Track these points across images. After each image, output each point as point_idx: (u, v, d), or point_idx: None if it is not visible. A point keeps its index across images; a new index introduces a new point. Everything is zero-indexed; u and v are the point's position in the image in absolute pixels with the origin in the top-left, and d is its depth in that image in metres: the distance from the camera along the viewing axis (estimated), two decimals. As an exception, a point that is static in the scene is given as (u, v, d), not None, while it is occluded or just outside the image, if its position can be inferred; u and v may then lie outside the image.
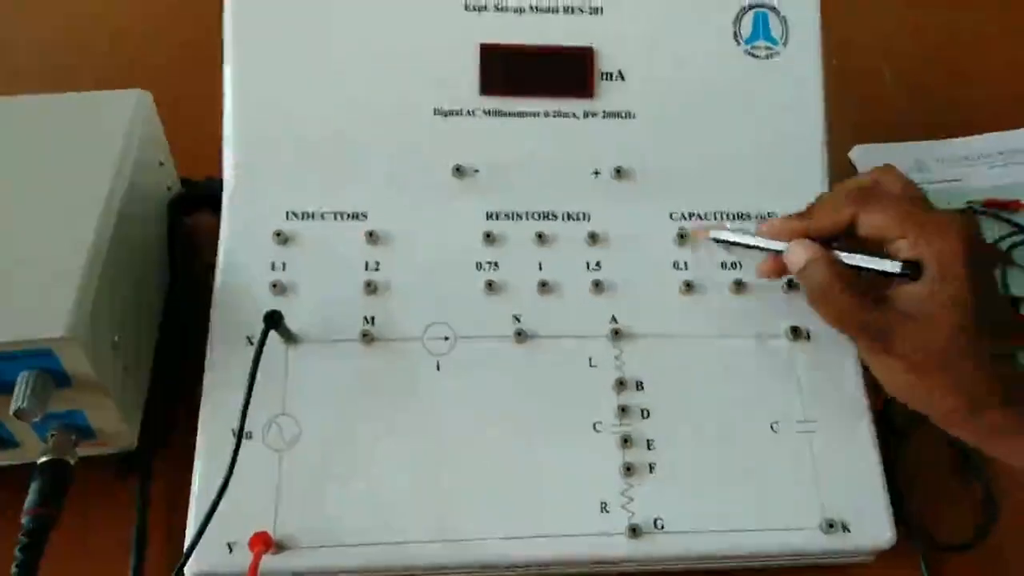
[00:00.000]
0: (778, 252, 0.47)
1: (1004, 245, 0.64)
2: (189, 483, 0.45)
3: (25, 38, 0.74)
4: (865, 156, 0.71)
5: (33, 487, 0.42)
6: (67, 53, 0.72)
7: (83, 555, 0.47)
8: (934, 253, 0.42)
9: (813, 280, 0.44)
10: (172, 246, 0.55)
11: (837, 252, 0.44)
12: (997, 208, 0.66)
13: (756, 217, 0.53)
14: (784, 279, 0.51)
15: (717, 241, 0.50)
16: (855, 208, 0.44)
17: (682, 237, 0.51)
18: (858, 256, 0.44)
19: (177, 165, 0.59)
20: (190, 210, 0.58)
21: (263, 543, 0.41)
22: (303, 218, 0.50)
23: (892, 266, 0.43)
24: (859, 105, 0.73)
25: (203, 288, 0.49)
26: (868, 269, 0.44)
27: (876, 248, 0.45)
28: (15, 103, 0.52)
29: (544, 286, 0.50)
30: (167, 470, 0.49)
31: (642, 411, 0.47)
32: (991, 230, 0.65)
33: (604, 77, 0.52)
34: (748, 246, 0.48)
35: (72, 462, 0.44)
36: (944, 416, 0.44)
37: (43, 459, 0.43)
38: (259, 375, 0.44)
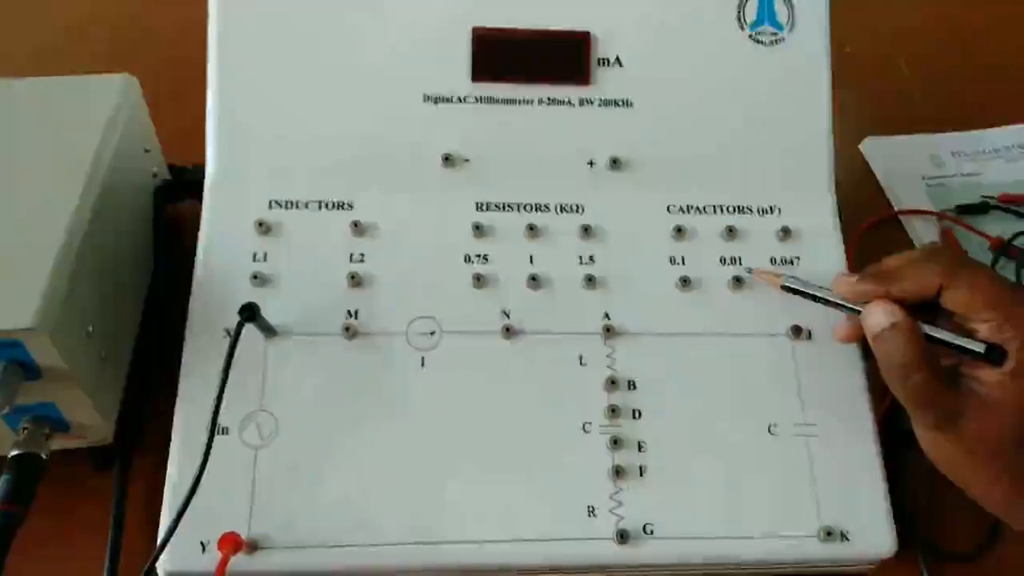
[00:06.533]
0: (853, 310, 0.44)
1: (1020, 242, 0.62)
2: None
3: (17, 23, 0.73)
4: (877, 148, 0.69)
5: (2, 481, 0.41)
6: (59, 38, 0.72)
7: (57, 550, 0.46)
8: (1017, 344, 0.40)
9: (890, 349, 0.42)
10: (156, 234, 0.54)
11: (919, 323, 0.42)
12: (1013, 203, 0.64)
13: (757, 210, 0.51)
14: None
15: (786, 289, 0.47)
16: (943, 280, 0.42)
17: (679, 230, 0.50)
18: (941, 331, 0.42)
19: (167, 152, 0.57)
20: (177, 198, 0.56)
21: (232, 544, 0.40)
22: (286, 207, 0.49)
23: (976, 347, 0.41)
24: (873, 96, 0.71)
25: (189, 277, 0.48)
26: (949, 344, 0.42)
27: (949, 319, 0.43)
28: (-4, 85, 0.51)
29: (535, 280, 0.48)
30: (147, 464, 0.48)
31: (633, 412, 0.46)
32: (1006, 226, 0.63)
33: (601, 63, 0.51)
34: (822, 301, 0.46)
35: (44, 456, 0.43)
36: (995, 502, 0.43)
37: (13, 452, 0.42)
38: (237, 369, 0.43)
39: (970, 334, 0.42)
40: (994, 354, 0.41)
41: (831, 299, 0.46)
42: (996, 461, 0.41)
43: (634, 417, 0.46)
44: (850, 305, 0.45)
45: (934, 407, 0.41)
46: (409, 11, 0.50)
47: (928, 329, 0.42)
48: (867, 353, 0.46)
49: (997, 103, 0.72)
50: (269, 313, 0.45)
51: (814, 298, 0.46)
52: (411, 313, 0.47)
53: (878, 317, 0.42)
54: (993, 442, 0.41)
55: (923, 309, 0.43)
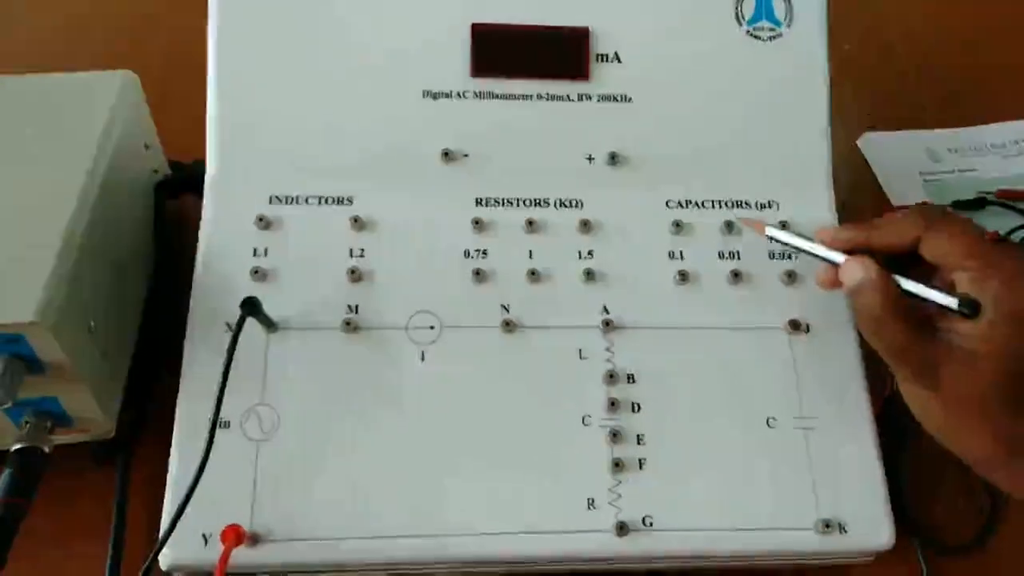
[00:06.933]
0: (832, 263, 0.44)
1: (1016, 237, 0.62)
2: (169, 472, 0.43)
3: (20, 21, 0.73)
4: (875, 144, 0.69)
5: (4, 475, 0.41)
6: (61, 35, 0.72)
7: (60, 544, 0.46)
8: (994, 295, 0.40)
9: (866, 302, 0.42)
10: (157, 230, 0.54)
11: (895, 276, 0.42)
12: (1010, 199, 0.64)
13: (756, 205, 0.51)
14: (783, 271, 0.49)
15: (771, 239, 0.47)
16: (922, 229, 0.42)
17: (678, 225, 0.50)
18: (915, 284, 0.42)
19: (168, 149, 0.57)
20: (178, 193, 0.56)
21: (235, 536, 0.40)
22: (287, 203, 0.49)
23: (949, 301, 0.41)
24: (871, 91, 0.71)
25: (190, 272, 0.48)
26: (923, 298, 0.42)
27: (933, 272, 0.43)
28: (-3, 82, 0.51)
29: (534, 275, 0.48)
30: (150, 457, 0.48)
31: (633, 405, 0.46)
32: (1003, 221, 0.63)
33: (599, 59, 0.51)
34: (803, 251, 0.46)
35: (47, 450, 0.43)
36: (979, 461, 0.42)
37: (16, 446, 0.42)
38: (238, 363, 0.43)
39: (950, 286, 0.42)
40: (968, 307, 0.40)
41: (812, 250, 0.45)
42: (976, 415, 0.40)
43: (633, 410, 0.46)
44: (830, 257, 0.44)
45: (910, 359, 0.41)
46: (409, 7, 0.50)
47: (903, 283, 0.42)
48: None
49: (994, 99, 0.72)
50: (269, 308, 0.45)
51: (798, 250, 0.46)
52: (411, 308, 0.47)
53: (854, 271, 0.42)
54: (975, 398, 0.40)
55: (906, 265, 0.43)
